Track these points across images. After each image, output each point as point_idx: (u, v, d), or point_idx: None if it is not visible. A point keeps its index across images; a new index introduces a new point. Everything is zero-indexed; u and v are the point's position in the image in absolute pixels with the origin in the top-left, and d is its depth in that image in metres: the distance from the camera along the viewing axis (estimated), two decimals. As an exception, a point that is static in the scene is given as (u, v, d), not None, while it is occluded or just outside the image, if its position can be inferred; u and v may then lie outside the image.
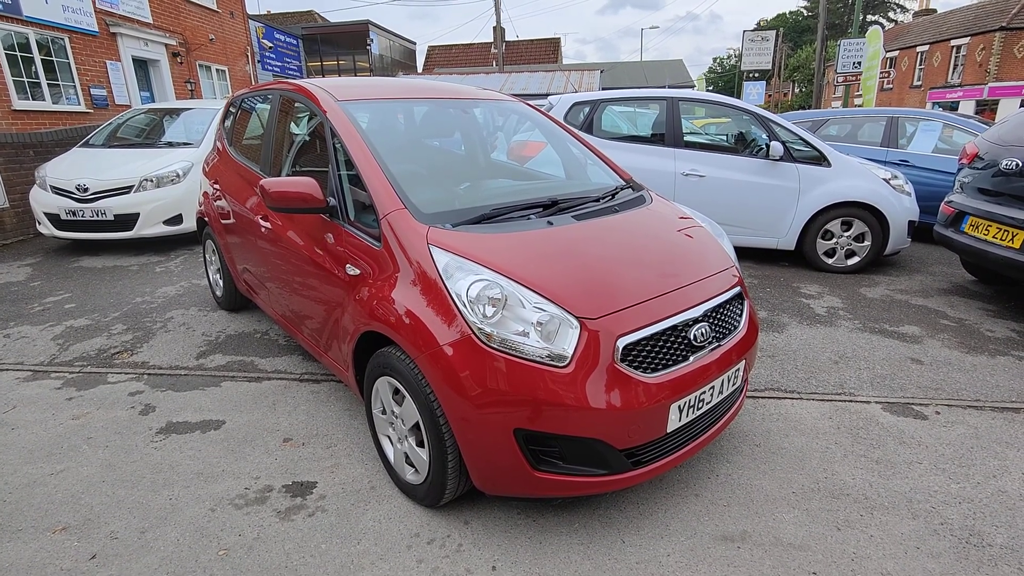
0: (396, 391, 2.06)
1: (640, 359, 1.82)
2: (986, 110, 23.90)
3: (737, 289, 2.24)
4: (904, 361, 3.32)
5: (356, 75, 25.81)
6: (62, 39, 10.04)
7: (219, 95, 14.96)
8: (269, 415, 2.74)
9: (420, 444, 2.02)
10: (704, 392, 1.95)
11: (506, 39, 30.33)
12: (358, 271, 2.18)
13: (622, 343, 1.78)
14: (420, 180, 2.46)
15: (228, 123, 3.94)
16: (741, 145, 5.26)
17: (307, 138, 2.93)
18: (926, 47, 28.66)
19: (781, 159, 4.94)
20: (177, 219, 5.85)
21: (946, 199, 4.57)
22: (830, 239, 5.07)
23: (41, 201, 5.71)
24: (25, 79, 9.40)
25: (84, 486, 2.23)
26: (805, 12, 54.11)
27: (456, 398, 1.76)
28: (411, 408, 1.95)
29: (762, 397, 2.90)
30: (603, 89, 14.52)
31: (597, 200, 2.50)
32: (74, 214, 5.59)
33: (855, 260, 5.07)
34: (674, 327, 1.91)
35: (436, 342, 1.80)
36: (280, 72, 20.00)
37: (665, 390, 1.81)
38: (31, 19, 9.33)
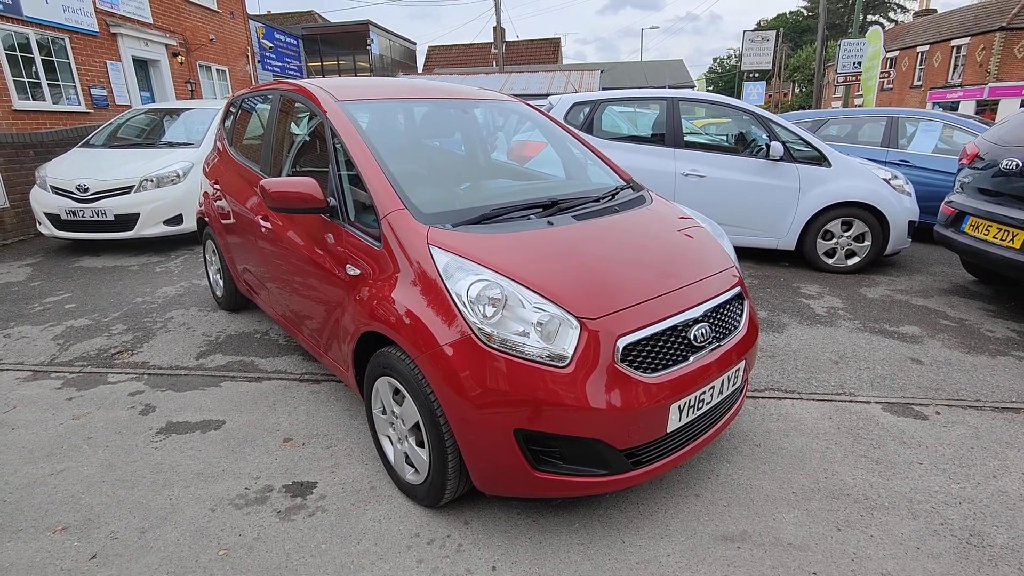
0: (396, 391, 2.06)
1: (640, 359, 1.82)
2: (986, 110, 23.89)
3: (737, 289, 2.24)
4: (904, 361, 3.32)
5: (356, 75, 25.82)
6: (62, 39, 10.05)
7: (219, 95, 14.97)
8: (269, 415, 2.74)
9: (420, 444, 2.02)
10: (704, 392, 1.95)
11: (506, 39, 30.34)
12: (358, 271, 2.18)
13: (622, 343, 1.78)
14: (420, 180, 2.46)
15: (228, 123, 3.94)
16: (741, 145, 5.26)
17: (307, 138, 2.93)
18: (926, 47, 28.66)
19: (781, 159, 4.94)
20: (177, 219, 5.86)
21: (946, 199, 4.57)
22: (830, 239, 5.07)
23: (41, 201, 5.71)
24: (25, 79, 9.40)
25: (84, 486, 2.23)
26: (805, 12, 54.12)
27: (456, 398, 1.76)
28: (411, 408, 1.95)
29: (762, 397, 2.90)
30: (603, 89, 14.52)
31: (597, 200, 2.50)
32: (74, 214, 5.59)
33: (855, 260, 5.07)
34: (674, 327, 1.91)
35: (436, 342, 1.80)
36: (280, 72, 20.00)
37: (665, 390, 1.81)
38: (31, 19, 9.33)
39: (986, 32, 24.34)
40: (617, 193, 2.65)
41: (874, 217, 4.90)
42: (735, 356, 2.07)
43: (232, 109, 3.96)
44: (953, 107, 25.24)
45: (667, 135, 5.31)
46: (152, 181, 5.70)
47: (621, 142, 5.49)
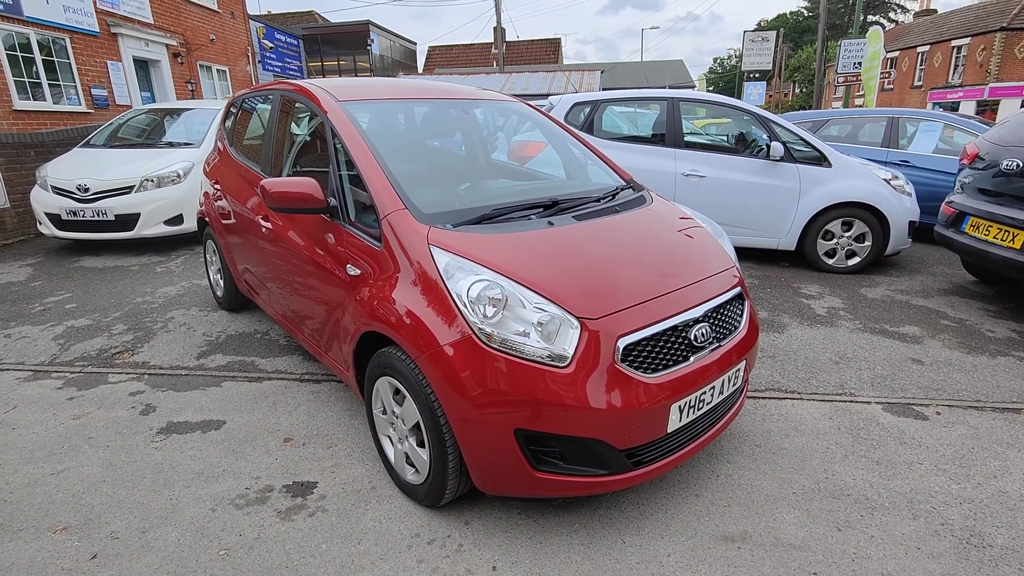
0: (396, 391, 2.06)
1: (640, 359, 1.82)
2: (987, 110, 23.89)
3: (738, 289, 2.24)
4: (905, 361, 3.32)
5: (357, 75, 25.82)
6: (63, 39, 10.05)
7: (220, 95, 14.97)
8: (270, 415, 2.75)
9: (420, 444, 2.02)
10: (704, 392, 1.95)
11: (506, 39, 30.34)
12: (359, 271, 2.19)
13: (622, 343, 1.78)
14: (421, 180, 2.46)
15: (229, 123, 3.95)
16: (742, 145, 5.26)
17: (308, 138, 2.93)
18: (927, 47, 28.65)
19: (782, 159, 4.94)
20: (178, 219, 5.86)
21: (947, 199, 4.57)
22: (831, 239, 5.07)
23: (42, 201, 5.72)
24: (26, 79, 9.41)
25: (85, 486, 2.23)
26: (805, 12, 54.10)
27: (457, 398, 1.76)
28: (411, 408, 1.95)
29: (763, 397, 2.90)
30: (603, 89, 14.52)
31: (598, 200, 2.50)
32: (75, 214, 5.59)
33: (856, 260, 5.07)
34: (674, 327, 1.91)
35: (437, 342, 1.80)
36: (281, 72, 20.01)
37: (665, 390, 1.81)
38: (32, 19, 9.34)
39: (986, 32, 24.33)
40: (617, 193, 2.65)
41: (874, 217, 4.90)
42: (735, 356, 2.07)
43: (232, 109, 3.96)
44: (954, 107, 25.23)
45: (667, 135, 5.31)
46: (153, 181, 5.70)
47: (621, 142, 5.49)
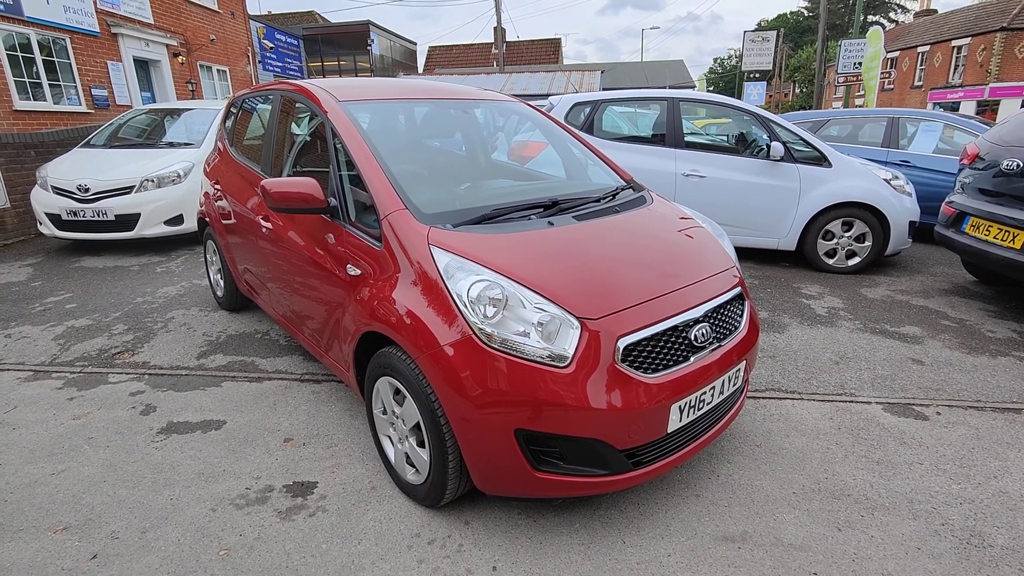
0: (397, 391, 2.06)
1: (641, 359, 1.82)
2: (987, 111, 23.89)
3: (738, 290, 2.24)
4: (905, 362, 3.32)
5: (357, 75, 25.83)
6: (63, 39, 10.06)
7: (220, 95, 14.97)
8: (270, 415, 2.75)
9: (421, 444, 2.02)
10: (705, 392, 1.95)
11: (507, 39, 30.35)
12: (359, 271, 2.19)
13: (623, 343, 1.78)
14: (421, 180, 2.46)
15: (229, 123, 3.95)
16: (742, 145, 5.26)
17: (308, 138, 2.93)
18: (927, 47, 28.65)
19: (782, 159, 4.94)
20: (178, 219, 5.86)
21: (947, 200, 4.57)
22: (831, 239, 5.07)
23: (42, 201, 5.72)
24: (26, 79, 9.41)
25: (85, 486, 2.23)
26: (806, 12, 54.09)
27: (457, 398, 1.76)
28: (412, 408, 1.95)
29: (763, 397, 2.90)
30: (604, 89, 14.52)
31: (598, 200, 2.50)
32: (75, 214, 5.59)
33: (856, 260, 5.07)
34: (675, 327, 1.91)
35: (437, 342, 1.80)
36: (281, 72, 20.01)
37: (666, 390, 1.81)
38: (32, 19, 9.34)
39: (987, 32, 24.33)
40: (618, 193, 2.65)
41: (875, 217, 4.90)
42: (736, 356, 2.07)
43: (233, 109, 3.96)
44: (954, 107, 25.23)
45: (668, 135, 5.31)
46: (153, 181, 5.70)
47: (622, 142, 5.49)
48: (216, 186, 3.71)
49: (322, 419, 2.70)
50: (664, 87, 18.67)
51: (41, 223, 5.81)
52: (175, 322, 3.98)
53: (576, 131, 3.34)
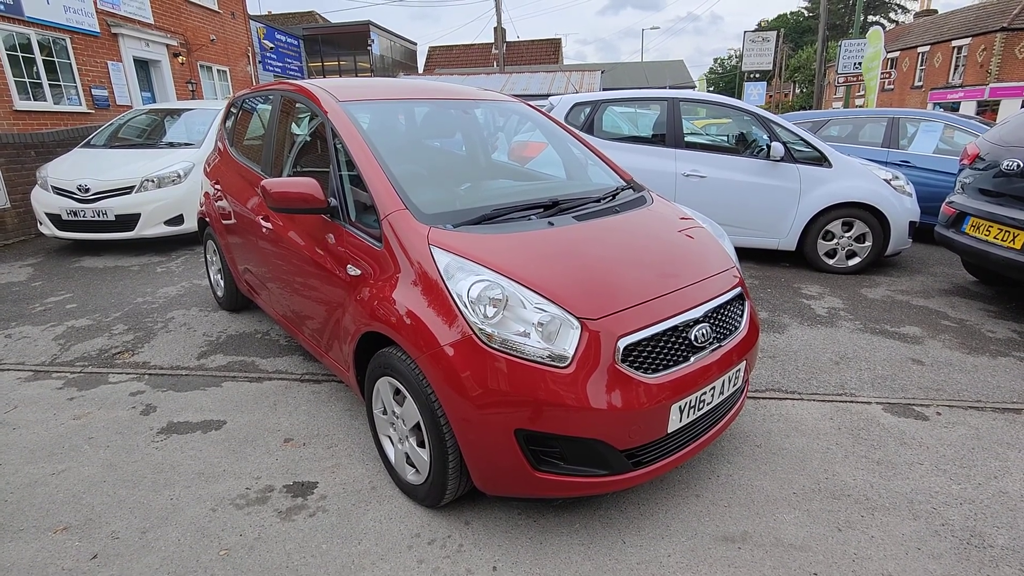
0: (397, 391, 2.06)
1: (641, 360, 1.82)
2: (987, 111, 23.89)
3: (738, 290, 2.24)
4: (905, 362, 3.32)
5: (357, 76, 25.83)
6: (63, 39, 10.06)
7: (220, 95, 14.98)
8: (270, 415, 2.75)
9: (421, 444, 2.02)
10: (705, 393, 1.95)
11: (507, 40, 30.36)
12: (359, 271, 2.19)
13: (623, 344, 1.78)
14: (421, 181, 2.46)
15: (229, 124, 3.95)
16: (742, 146, 5.26)
17: (308, 139, 2.93)
18: (927, 48, 28.64)
19: (782, 160, 4.94)
20: (178, 219, 5.86)
21: (947, 200, 4.57)
22: (831, 240, 5.07)
23: (42, 201, 5.72)
24: (27, 79, 9.42)
25: (85, 486, 2.23)
26: (806, 13, 54.10)
27: (457, 398, 1.76)
28: (412, 408, 1.95)
29: (763, 398, 2.89)
30: (604, 90, 14.53)
31: (598, 201, 2.50)
32: (75, 214, 5.59)
33: (856, 261, 5.07)
34: (675, 328, 1.91)
35: (437, 342, 1.80)
36: (281, 73, 20.02)
37: (666, 391, 1.81)
38: (33, 19, 9.35)
39: (987, 33, 24.33)
40: (618, 193, 2.65)
41: (875, 218, 4.90)
42: (736, 357, 2.07)
43: (233, 109, 3.96)
44: (954, 108, 25.23)
45: (668, 136, 5.31)
46: (153, 181, 5.71)
47: (622, 142, 5.49)
48: (216, 186, 3.71)
49: (322, 419, 2.70)
50: (664, 87, 18.67)
51: (41, 223, 5.81)
52: (175, 322, 3.98)
53: (576, 131, 3.34)
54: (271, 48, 19.24)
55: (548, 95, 9.09)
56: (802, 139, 5.02)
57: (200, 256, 5.78)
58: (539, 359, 1.72)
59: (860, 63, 15.50)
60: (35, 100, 9.55)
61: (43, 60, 9.66)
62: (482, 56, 33.61)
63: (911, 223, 4.99)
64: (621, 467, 1.82)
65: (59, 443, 2.53)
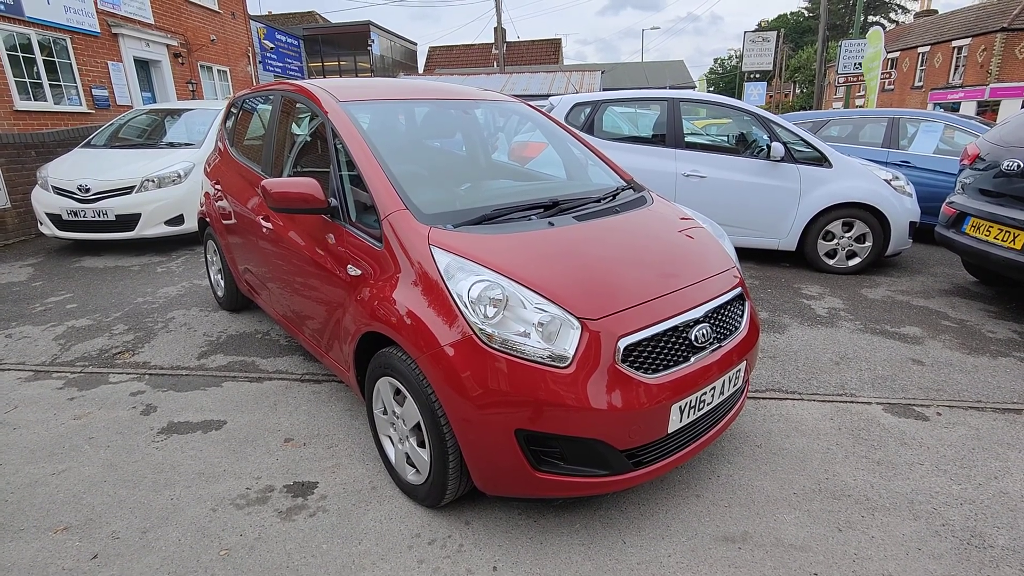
0: (397, 391, 2.06)
1: (641, 360, 1.82)
2: (988, 111, 23.89)
3: (738, 290, 2.24)
4: (905, 362, 3.32)
5: (357, 76, 25.83)
6: (64, 40, 10.07)
7: (220, 96, 14.98)
8: (270, 415, 2.75)
9: (421, 444, 2.02)
10: (705, 393, 1.95)
11: (507, 40, 30.37)
12: (359, 272, 2.19)
13: (623, 344, 1.78)
14: (421, 181, 2.46)
15: (229, 124, 3.95)
16: (742, 146, 5.26)
17: (308, 139, 2.93)
18: (927, 48, 28.65)
19: (782, 160, 4.94)
20: (178, 219, 5.86)
21: (947, 200, 4.57)
22: (831, 240, 5.07)
23: (43, 201, 5.72)
24: (27, 79, 9.42)
25: (86, 486, 2.23)
26: (806, 13, 54.10)
27: (457, 398, 1.76)
28: (412, 408, 1.95)
29: (763, 398, 2.89)
30: (604, 90, 14.53)
31: (598, 201, 2.50)
32: (76, 214, 5.60)
33: (856, 261, 5.07)
34: (675, 328, 1.91)
35: (437, 342, 1.80)
36: (281, 73, 20.02)
37: (666, 391, 1.81)
38: (33, 20, 9.35)
39: (987, 33, 24.34)
40: (618, 194, 2.65)
41: (875, 218, 4.90)
42: (736, 357, 2.07)
43: (233, 110, 3.97)
44: (954, 108, 25.23)
45: (668, 136, 5.31)
46: (153, 181, 5.71)
47: (622, 143, 5.49)
48: (216, 186, 3.71)
49: (322, 419, 2.70)
50: (664, 87, 18.68)
51: (42, 223, 5.81)
52: (175, 322, 3.98)
53: (576, 131, 3.34)
54: (271, 48, 19.25)
55: (548, 95, 9.09)
56: (802, 139, 5.02)
57: (200, 256, 5.78)
58: (539, 359, 1.72)
59: (860, 63, 15.50)
60: (35, 100, 9.55)
61: (43, 60, 9.66)
62: (482, 56, 33.62)
63: (911, 223, 4.99)
64: (621, 467, 1.82)
65: (59, 443, 2.53)
